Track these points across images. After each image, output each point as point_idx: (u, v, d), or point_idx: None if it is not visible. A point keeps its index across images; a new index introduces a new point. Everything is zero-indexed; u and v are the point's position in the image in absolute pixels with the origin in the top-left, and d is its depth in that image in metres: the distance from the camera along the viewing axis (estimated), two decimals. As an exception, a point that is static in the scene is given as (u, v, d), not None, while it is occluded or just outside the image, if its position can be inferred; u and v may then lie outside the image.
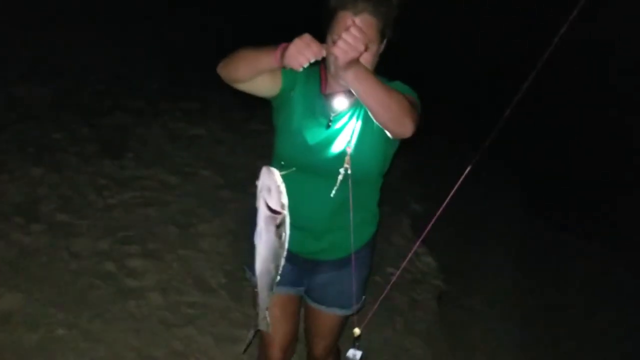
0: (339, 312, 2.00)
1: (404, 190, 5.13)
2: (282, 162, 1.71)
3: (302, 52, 1.40)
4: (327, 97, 1.69)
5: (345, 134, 1.68)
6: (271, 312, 1.85)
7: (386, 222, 4.46)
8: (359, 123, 1.68)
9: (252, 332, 1.87)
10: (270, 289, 1.65)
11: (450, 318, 3.64)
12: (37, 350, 2.48)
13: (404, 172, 5.42)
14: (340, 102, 1.68)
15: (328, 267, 1.89)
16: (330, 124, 1.68)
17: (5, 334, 2.52)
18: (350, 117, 1.69)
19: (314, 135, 1.69)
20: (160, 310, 2.88)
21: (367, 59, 1.56)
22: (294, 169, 1.60)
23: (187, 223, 3.61)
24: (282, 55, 1.45)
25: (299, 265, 1.89)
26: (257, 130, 4.95)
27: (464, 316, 3.71)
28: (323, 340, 2.12)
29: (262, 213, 1.48)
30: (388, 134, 1.60)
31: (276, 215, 1.47)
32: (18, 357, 2.43)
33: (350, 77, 1.43)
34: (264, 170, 1.46)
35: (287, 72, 1.65)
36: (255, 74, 1.59)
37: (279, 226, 1.48)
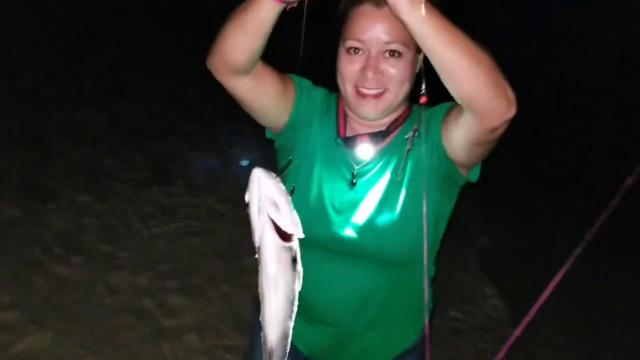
0: None
1: (468, 217, 4.73)
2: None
3: None
4: (347, 142, 1.25)
5: (372, 194, 1.24)
6: None
7: (449, 256, 4.13)
8: (389, 178, 1.23)
9: None
10: (286, 340, 1.11)
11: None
12: (60, 398, 2.31)
13: (467, 196, 5.03)
14: (364, 150, 1.24)
15: None
16: (354, 180, 1.23)
17: (29, 377, 2.36)
18: (380, 171, 1.25)
19: (335, 195, 1.24)
20: (197, 355, 2.66)
21: (402, 69, 1.16)
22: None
23: (232, 255, 3.40)
24: None
25: None
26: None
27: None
28: None
29: (270, 243, 0.98)
30: (474, 131, 1.09)
31: (288, 243, 1.00)
32: (39, 405, 2.26)
33: (419, 15, 0.94)
34: (258, 175, 0.95)
35: (305, 91, 1.27)
36: (249, 36, 1.08)
37: (295, 260, 1.02)
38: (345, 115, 1.27)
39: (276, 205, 0.96)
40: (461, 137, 1.13)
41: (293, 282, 1.02)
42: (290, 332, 1.09)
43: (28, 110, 4.79)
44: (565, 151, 6.36)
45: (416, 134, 1.21)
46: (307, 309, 1.21)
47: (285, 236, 0.98)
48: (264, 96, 1.21)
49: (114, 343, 2.62)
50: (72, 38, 6.38)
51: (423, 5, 0.93)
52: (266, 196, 0.96)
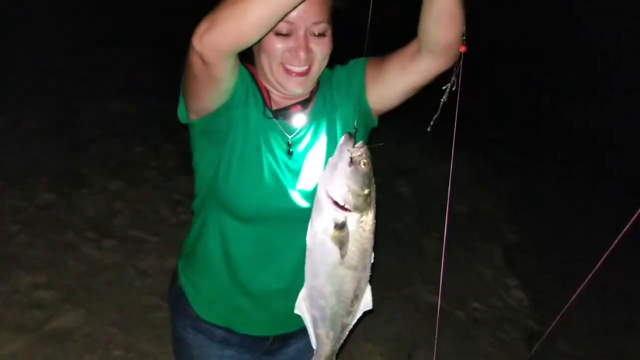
0: None
1: (497, 216, 4.74)
2: (237, 214, 1.28)
3: None
4: (276, 115, 1.26)
5: (313, 157, 1.27)
6: None
7: (475, 249, 4.14)
8: (326, 140, 1.28)
9: None
10: (330, 325, 1.21)
11: (541, 363, 3.23)
12: (92, 372, 2.41)
13: (498, 197, 5.04)
14: (298, 118, 1.26)
15: (299, 337, 1.45)
16: (290, 149, 1.26)
17: (63, 352, 2.47)
18: (314, 135, 1.28)
19: (279, 168, 1.25)
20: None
21: (327, 47, 1.21)
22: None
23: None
24: None
25: (261, 350, 1.47)
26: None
27: (557, 362, 3.28)
28: None
29: (319, 201, 1.08)
30: (438, 64, 1.21)
31: (339, 210, 1.07)
32: (72, 378, 2.37)
33: None
34: (342, 139, 1.08)
35: (242, 72, 1.23)
36: (281, 9, 1.03)
37: (341, 227, 1.08)
38: (268, 90, 1.27)
39: (334, 168, 1.07)
40: (406, 83, 1.25)
41: (333, 250, 1.10)
42: (333, 299, 1.18)
43: (61, 102, 4.94)
44: (598, 149, 6.30)
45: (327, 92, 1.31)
46: (256, 286, 1.31)
47: (337, 204, 1.07)
48: (234, 74, 1.19)
49: (142, 323, 2.72)
50: (101, 34, 6.54)
51: None
52: (334, 160, 1.08)
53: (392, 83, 1.26)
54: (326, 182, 1.07)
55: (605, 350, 3.46)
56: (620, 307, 3.81)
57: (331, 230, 1.07)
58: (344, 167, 1.06)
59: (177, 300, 1.47)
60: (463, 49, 1.17)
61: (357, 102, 1.30)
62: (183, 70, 1.17)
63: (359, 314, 1.24)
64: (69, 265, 3.01)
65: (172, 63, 6.42)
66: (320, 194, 1.09)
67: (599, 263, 1.42)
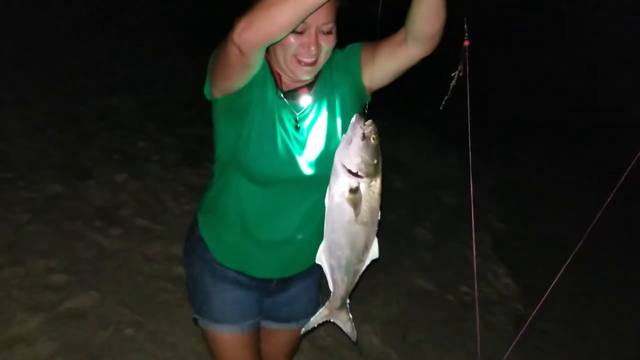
0: (303, 329, 1.76)
1: (488, 207, 4.92)
2: (254, 177, 1.51)
3: None
4: (286, 95, 1.49)
5: (317, 131, 1.51)
6: (241, 356, 1.74)
7: (465, 239, 4.32)
8: (327, 116, 1.52)
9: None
10: (345, 273, 1.42)
11: (527, 343, 3.40)
12: (106, 348, 2.56)
13: (489, 188, 5.22)
14: (304, 99, 1.50)
15: (297, 280, 1.74)
16: (298, 124, 1.50)
17: (78, 330, 2.62)
18: (317, 112, 1.52)
19: (289, 142, 1.49)
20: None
21: (332, 43, 1.44)
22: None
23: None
24: None
25: (265, 293, 1.73)
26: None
27: (542, 342, 3.45)
28: (288, 358, 1.99)
29: (336, 170, 1.29)
30: (420, 51, 1.43)
31: (354, 178, 1.27)
32: (88, 353, 2.52)
33: None
34: (354, 119, 1.28)
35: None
36: (305, 13, 1.24)
37: (355, 191, 1.28)
38: (279, 75, 1.49)
39: (349, 143, 1.26)
40: (396, 65, 1.48)
41: (348, 210, 1.30)
42: (348, 251, 1.38)
43: (64, 97, 5.09)
44: (584, 144, 6.51)
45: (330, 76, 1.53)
46: (264, 236, 1.54)
47: (351, 172, 1.26)
48: (260, 64, 1.40)
49: (151, 304, 2.87)
50: (102, 32, 6.68)
51: None
52: (348, 135, 1.27)
53: (382, 65, 1.49)
54: (342, 154, 1.27)
55: (588, 331, 3.65)
56: (603, 290, 4.01)
57: (347, 194, 1.27)
58: (357, 141, 1.25)
59: (196, 247, 1.69)
60: (467, 42, 1.36)
61: (354, 81, 1.52)
62: (215, 58, 1.40)
63: (367, 262, 1.44)
64: (79, 251, 3.15)
65: (169, 59, 6.64)
66: (337, 164, 1.28)
67: (579, 243, 1.58)
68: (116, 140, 4.52)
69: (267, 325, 1.83)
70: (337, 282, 1.45)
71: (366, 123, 1.27)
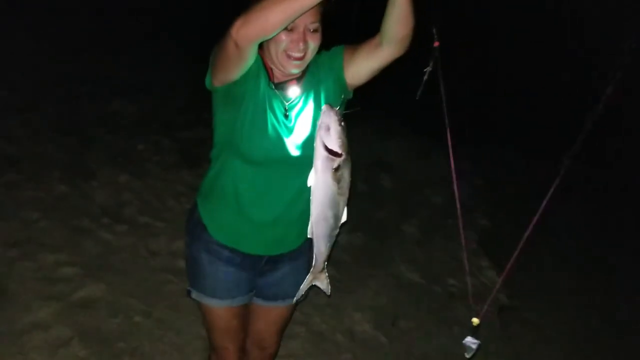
0: (293, 301, 1.98)
1: (474, 204, 5.14)
2: (249, 159, 1.70)
3: None
4: (277, 87, 1.70)
5: (304, 119, 1.71)
6: (230, 325, 1.96)
7: (451, 235, 4.54)
8: (313, 106, 1.72)
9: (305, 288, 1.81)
10: (328, 239, 1.65)
11: (510, 331, 3.63)
12: (117, 334, 2.76)
13: (475, 186, 5.45)
14: (293, 90, 1.70)
15: (286, 262, 1.93)
16: (287, 113, 1.70)
17: (90, 318, 2.82)
18: (304, 102, 1.72)
19: (279, 125, 1.69)
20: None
21: (318, 40, 1.63)
22: None
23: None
24: None
25: (256, 270, 1.91)
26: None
27: (525, 331, 3.68)
28: (277, 335, 2.15)
29: (319, 154, 1.51)
30: (393, 52, 1.63)
31: (334, 157, 1.49)
32: (100, 339, 2.71)
33: None
34: (325, 109, 1.51)
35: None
36: (294, 15, 1.45)
37: (337, 169, 1.51)
38: (271, 69, 1.69)
39: (328, 130, 1.49)
40: (371, 65, 1.69)
41: (333, 184, 1.54)
42: (331, 219, 1.61)
43: (68, 103, 5.26)
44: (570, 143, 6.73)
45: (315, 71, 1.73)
46: (267, 215, 1.73)
47: (331, 152, 1.49)
48: (254, 57, 1.60)
49: (157, 294, 3.07)
50: (99, 39, 6.86)
51: None
52: (323, 123, 1.49)
53: (361, 65, 1.69)
54: (325, 138, 1.50)
55: (572, 322, 3.88)
56: (584, 278, 4.24)
57: (332, 171, 1.51)
58: (336, 127, 1.49)
59: (195, 228, 1.88)
60: (436, 43, 1.57)
61: (336, 77, 1.72)
62: (215, 51, 1.59)
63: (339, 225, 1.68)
64: (87, 246, 3.34)
65: (166, 65, 6.82)
66: (319, 148, 1.51)
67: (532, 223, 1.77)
68: (118, 143, 4.71)
69: (257, 302, 2.02)
70: (320, 250, 1.67)
71: (335, 111, 1.51)
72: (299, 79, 1.71)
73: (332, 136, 1.48)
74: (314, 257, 1.70)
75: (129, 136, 4.87)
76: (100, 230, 3.51)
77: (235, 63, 1.57)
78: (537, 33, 9.59)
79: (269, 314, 2.06)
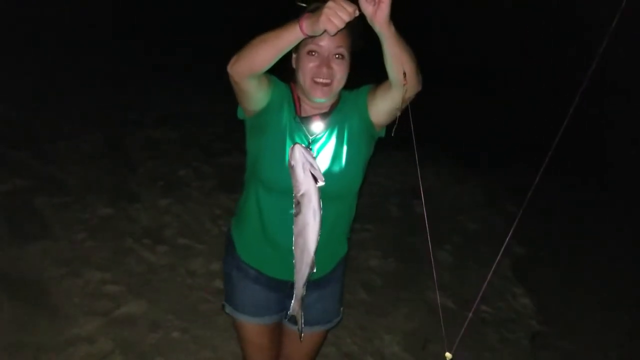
0: (324, 328, 2.06)
1: (506, 230, 5.12)
2: (268, 186, 1.76)
3: (337, 13, 1.39)
4: (303, 120, 1.76)
5: (325, 154, 1.74)
6: (260, 341, 2.03)
7: (485, 262, 4.54)
8: (335, 142, 1.76)
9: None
10: (310, 267, 1.68)
11: (541, 358, 3.60)
12: (156, 348, 2.89)
13: (508, 214, 5.45)
14: (317, 125, 1.75)
15: (312, 287, 1.89)
16: (310, 145, 1.73)
17: (131, 333, 2.96)
18: (328, 138, 1.76)
19: None
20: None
21: (344, 68, 1.69)
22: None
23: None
24: (309, 24, 1.45)
25: (284, 292, 1.93)
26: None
27: (557, 358, 3.64)
28: (308, 359, 2.17)
29: (312, 186, 1.57)
30: (396, 101, 1.62)
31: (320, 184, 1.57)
32: (140, 352, 2.85)
33: (391, 31, 1.47)
34: (300, 149, 1.56)
35: (277, 85, 1.74)
36: (277, 53, 1.55)
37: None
38: (300, 99, 1.78)
39: (311, 165, 1.57)
40: (387, 105, 1.71)
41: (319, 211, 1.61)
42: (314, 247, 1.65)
43: (112, 129, 5.54)
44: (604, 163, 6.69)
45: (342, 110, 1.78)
46: (280, 241, 1.75)
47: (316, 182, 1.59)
48: (260, 89, 1.68)
49: (195, 312, 3.20)
50: (143, 70, 7.22)
51: (392, 24, 1.47)
52: (307, 160, 1.57)
53: (378, 105, 1.74)
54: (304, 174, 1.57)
55: (606, 351, 3.82)
56: (619, 308, 4.17)
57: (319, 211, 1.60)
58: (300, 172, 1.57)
59: (228, 246, 2.00)
60: (404, 82, 1.57)
61: (361, 115, 1.77)
62: None
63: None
64: (130, 265, 3.51)
65: (206, 95, 7.09)
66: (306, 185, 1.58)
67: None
68: (160, 168, 4.92)
69: (288, 325, 2.06)
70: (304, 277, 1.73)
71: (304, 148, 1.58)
72: (324, 114, 1.76)
73: (316, 168, 1.57)
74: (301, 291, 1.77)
75: (170, 162, 5.09)
76: (142, 250, 3.68)
77: (242, 96, 1.69)
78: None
79: (296, 338, 2.05)
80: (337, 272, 2.01)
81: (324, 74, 1.67)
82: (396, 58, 1.53)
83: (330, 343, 3.16)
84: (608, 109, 8.26)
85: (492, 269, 1.59)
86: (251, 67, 1.57)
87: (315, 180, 1.57)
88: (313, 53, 1.67)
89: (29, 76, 6.23)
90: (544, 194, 5.84)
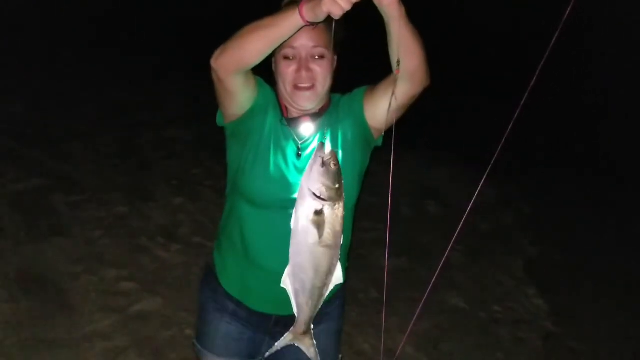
0: None
1: (521, 233, 5.14)
2: (252, 201, 1.56)
3: None
4: (290, 123, 1.57)
5: None
6: None
7: (498, 262, 4.54)
8: (328, 145, 1.55)
9: None
10: (309, 295, 1.44)
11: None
12: (170, 344, 2.92)
13: (522, 215, 5.44)
14: (307, 127, 1.56)
15: None
16: (300, 152, 1.55)
17: (146, 328, 3.00)
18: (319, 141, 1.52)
19: (286, 166, 1.54)
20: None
21: (325, 67, 1.51)
22: None
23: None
24: (310, 8, 1.27)
25: (263, 330, 1.70)
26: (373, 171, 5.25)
27: (570, 359, 3.63)
28: None
29: (301, 193, 1.33)
30: (408, 88, 1.44)
31: (318, 201, 1.30)
32: (154, 349, 2.88)
33: (401, 11, 1.29)
34: (319, 145, 1.33)
35: (263, 86, 1.56)
36: (271, 44, 1.36)
37: (319, 214, 1.30)
38: (286, 105, 1.58)
39: (314, 169, 1.34)
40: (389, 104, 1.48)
41: (313, 232, 1.34)
42: (309, 276, 1.41)
43: (126, 130, 5.59)
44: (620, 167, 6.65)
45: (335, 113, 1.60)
46: (265, 264, 1.56)
47: (316, 195, 1.33)
48: (247, 89, 1.49)
49: (208, 310, 3.22)
50: (156, 71, 7.28)
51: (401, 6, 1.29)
52: (316, 161, 1.33)
53: (380, 105, 1.52)
54: (306, 178, 1.32)
55: (618, 352, 3.79)
56: (634, 309, 4.15)
57: (312, 216, 1.31)
58: (318, 168, 1.31)
59: (207, 275, 1.80)
60: (397, 72, 1.38)
61: (357, 119, 1.58)
62: None
63: (331, 286, 1.47)
64: (144, 263, 3.55)
65: (214, 94, 7.13)
66: (303, 188, 1.33)
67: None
68: (173, 167, 4.97)
69: None
70: (301, 306, 1.47)
71: (328, 152, 1.33)
72: (314, 115, 1.57)
73: (312, 177, 1.30)
74: (295, 314, 1.50)
75: (183, 161, 5.13)
76: (156, 248, 3.72)
77: (225, 96, 1.49)
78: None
79: None
80: (332, 307, 1.71)
81: (304, 78, 1.50)
82: (406, 44, 1.35)
83: (343, 342, 3.16)
84: (630, 110, 8.22)
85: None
86: (240, 60, 1.39)
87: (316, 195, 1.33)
88: (289, 57, 1.50)
89: (45, 77, 6.32)
90: (558, 194, 5.88)
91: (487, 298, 4.02)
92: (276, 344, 1.59)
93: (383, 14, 1.31)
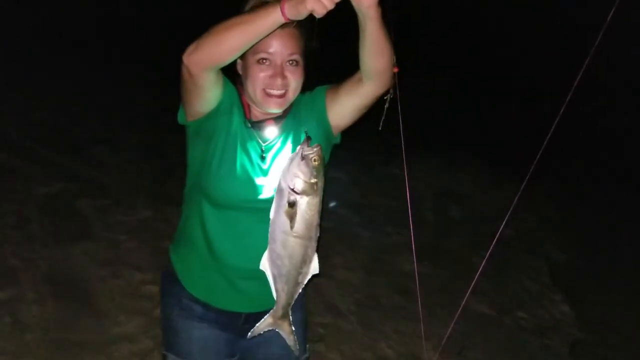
0: None
1: (546, 238, 5.08)
2: (216, 201, 1.56)
3: None
4: (253, 125, 1.57)
5: (280, 161, 1.54)
6: None
7: (523, 267, 4.49)
8: (291, 148, 1.57)
9: None
10: (285, 280, 1.47)
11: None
12: None
13: (547, 219, 5.37)
14: (270, 130, 1.57)
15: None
16: (263, 154, 1.56)
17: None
18: (282, 144, 1.59)
19: (250, 167, 1.55)
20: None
21: (299, 75, 1.52)
22: None
23: (323, 255, 3.95)
24: (292, 5, 1.26)
25: (236, 329, 1.70)
26: (393, 174, 5.24)
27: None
28: None
29: (280, 184, 1.38)
30: (374, 88, 1.49)
31: (293, 194, 1.35)
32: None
33: (378, 12, 1.32)
34: (304, 141, 1.38)
35: (228, 85, 1.54)
36: (248, 41, 1.35)
37: (292, 205, 1.35)
38: (249, 105, 1.58)
39: (292, 162, 1.39)
40: (355, 103, 1.57)
41: (285, 222, 1.40)
42: (285, 264, 1.45)
43: (149, 135, 5.66)
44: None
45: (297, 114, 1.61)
46: (232, 262, 1.57)
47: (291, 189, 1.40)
48: (216, 87, 1.48)
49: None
50: (176, 76, 7.35)
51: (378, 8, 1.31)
52: (295, 155, 1.39)
53: (344, 104, 1.57)
54: (285, 170, 1.38)
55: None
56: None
57: (285, 206, 1.37)
58: (297, 161, 1.36)
59: (167, 283, 1.75)
60: (396, 69, 1.45)
61: (319, 119, 1.60)
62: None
63: (309, 276, 1.51)
64: (168, 266, 3.57)
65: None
66: (280, 180, 1.39)
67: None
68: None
69: None
70: (279, 291, 1.51)
71: (310, 146, 1.37)
72: (278, 118, 1.57)
73: (289, 170, 1.36)
74: (275, 294, 1.53)
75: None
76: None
77: (194, 93, 1.46)
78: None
79: None
80: (297, 300, 1.64)
81: (278, 85, 1.49)
82: (378, 44, 1.39)
83: (366, 347, 3.17)
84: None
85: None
86: (215, 57, 1.37)
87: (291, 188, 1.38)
88: (264, 61, 1.48)
89: (70, 84, 6.43)
90: (583, 200, 5.80)
91: (512, 304, 3.97)
92: (256, 325, 1.58)
93: (360, 14, 1.34)
